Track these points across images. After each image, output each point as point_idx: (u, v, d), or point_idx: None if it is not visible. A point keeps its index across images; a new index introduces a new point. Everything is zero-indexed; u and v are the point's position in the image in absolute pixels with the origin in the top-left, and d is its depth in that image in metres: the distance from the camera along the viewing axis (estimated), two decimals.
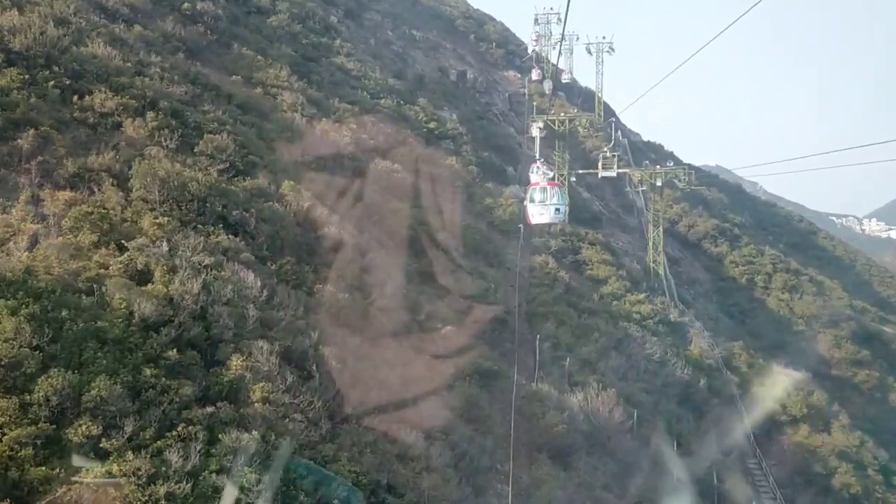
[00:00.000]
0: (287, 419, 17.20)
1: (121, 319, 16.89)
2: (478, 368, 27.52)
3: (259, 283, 20.70)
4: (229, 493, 14.35)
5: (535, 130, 56.85)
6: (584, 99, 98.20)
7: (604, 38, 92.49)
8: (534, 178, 45.27)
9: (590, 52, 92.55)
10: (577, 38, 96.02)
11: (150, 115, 27.16)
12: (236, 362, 17.60)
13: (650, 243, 58.35)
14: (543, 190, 43.51)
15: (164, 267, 19.09)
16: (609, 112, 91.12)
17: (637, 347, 38.71)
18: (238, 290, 19.82)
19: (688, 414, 36.88)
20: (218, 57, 43.05)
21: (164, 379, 16.20)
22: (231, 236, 22.89)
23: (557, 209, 43.82)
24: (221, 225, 23.63)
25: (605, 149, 64.92)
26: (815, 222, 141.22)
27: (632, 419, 31.02)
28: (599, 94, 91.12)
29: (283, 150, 35.06)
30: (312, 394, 18.27)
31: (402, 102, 54.66)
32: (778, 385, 45.35)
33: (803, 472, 40.19)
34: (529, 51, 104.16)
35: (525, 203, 47.03)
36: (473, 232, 43.57)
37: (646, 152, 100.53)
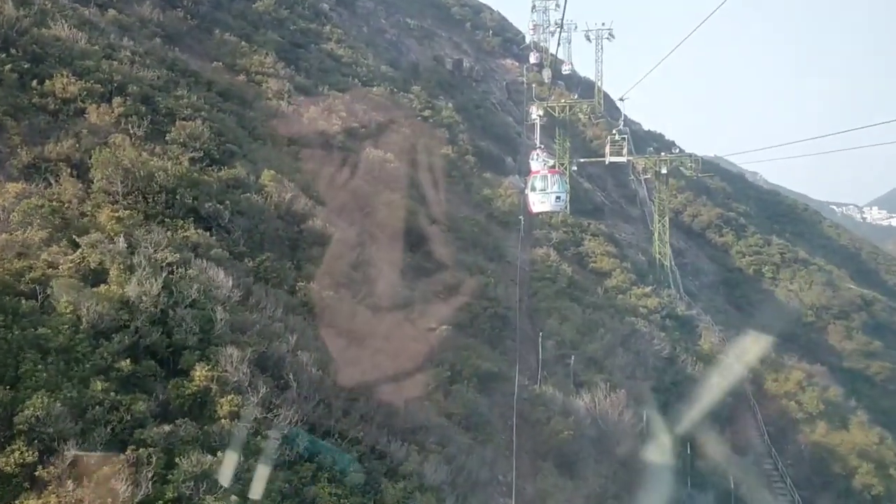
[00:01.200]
0: (259, 436, 15.12)
1: (66, 326, 14.79)
2: (476, 370, 25.47)
3: (230, 283, 18.58)
4: None
5: (535, 112, 55.00)
6: (584, 89, 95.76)
7: (603, 24, 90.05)
8: (534, 165, 44.05)
9: (589, 39, 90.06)
10: (576, 27, 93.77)
11: (116, 100, 25.01)
12: (200, 372, 15.51)
13: (655, 234, 56.24)
14: (544, 178, 42.13)
15: (121, 266, 16.98)
16: (609, 102, 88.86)
17: (645, 343, 36.65)
18: (206, 291, 17.70)
19: (701, 415, 34.73)
20: (199, 43, 40.87)
21: (114, 393, 14.14)
22: (201, 231, 20.75)
23: (558, 197, 42.96)
24: (192, 218, 21.51)
25: (614, 131, 62.67)
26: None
27: (642, 422, 28.94)
28: (599, 82, 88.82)
29: (266, 139, 33.02)
30: (289, 406, 16.18)
31: (395, 90, 52.49)
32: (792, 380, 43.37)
33: (821, 472, 38.16)
34: (527, 40, 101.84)
35: (526, 191, 46.19)
36: (471, 224, 41.50)
37: (648, 141, 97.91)
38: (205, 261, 19.01)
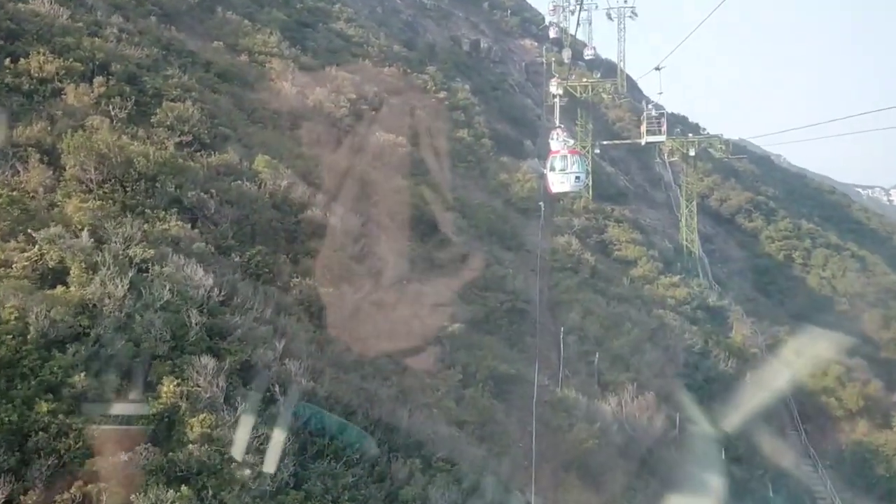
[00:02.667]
0: (234, 463, 13.03)
1: (11, 336, 12.78)
2: (492, 372, 23.26)
3: (211, 281, 16.46)
4: None
5: (554, 88, 52.86)
6: (605, 70, 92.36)
7: (625, 1, 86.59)
8: (554, 145, 42.55)
9: (610, 18, 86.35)
10: (597, 6, 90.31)
11: (98, 80, 22.98)
12: (168, 387, 13.43)
13: (682, 220, 53.50)
14: (564, 158, 40.74)
15: (83, 264, 14.91)
16: (631, 83, 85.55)
17: (674, 338, 34.22)
18: (181, 291, 15.61)
19: (734, 415, 32.27)
20: (200, 23, 38.73)
21: (63, 415, 12.11)
22: (183, 223, 18.64)
23: (578, 177, 42.01)
24: (175, 209, 19.44)
25: (650, 107, 59.67)
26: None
27: (675, 427, 26.63)
28: (621, 63, 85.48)
29: (266, 122, 30.92)
30: (272, 424, 14.07)
31: (409, 71, 50.06)
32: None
33: (864, 474, 35.55)
34: (546, 22, 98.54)
35: (545, 171, 44.74)
36: (487, 211, 39.15)
37: (672, 123, 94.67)
38: (183, 257, 16.89)
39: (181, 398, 13.37)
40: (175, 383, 13.50)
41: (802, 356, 39.55)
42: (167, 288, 15.24)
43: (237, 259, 19.28)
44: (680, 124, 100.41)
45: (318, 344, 18.35)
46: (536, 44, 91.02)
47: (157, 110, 23.32)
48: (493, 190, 43.54)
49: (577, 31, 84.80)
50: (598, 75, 71.73)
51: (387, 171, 33.91)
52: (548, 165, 46.41)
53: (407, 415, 17.93)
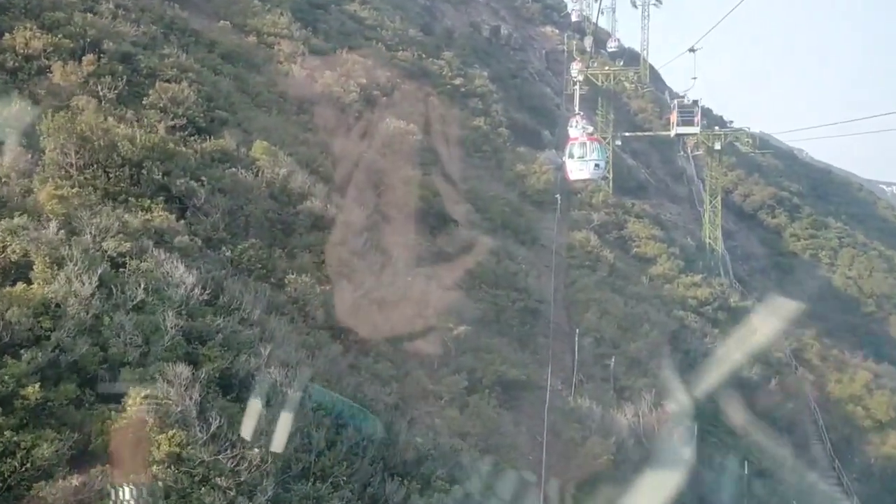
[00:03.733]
0: (205, 486, 11.65)
1: None
2: (500, 378, 21.76)
3: (193, 278, 15.04)
4: None
5: (575, 69, 51.60)
6: (628, 59, 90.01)
7: None
8: (573, 132, 41.68)
9: (635, 6, 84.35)
10: None
11: (88, 58, 21.59)
12: (135, 399, 12.03)
13: (706, 216, 51.53)
14: (583, 145, 40.20)
15: (48, 258, 13.53)
16: (654, 74, 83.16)
17: (695, 341, 32.52)
18: (158, 290, 14.21)
19: (756, 424, 30.60)
20: (207, 1, 37.38)
21: (11, 432, 10.76)
22: (168, 213, 17.24)
23: (597, 165, 41.49)
24: (162, 197, 18.06)
25: (684, 93, 55.49)
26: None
27: (692, 439, 25.02)
28: (644, 52, 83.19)
29: (271, 106, 29.52)
30: (250, 443, 12.65)
31: (423, 56, 48.42)
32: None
33: (894, 489, 33.81)
34: (569, 8, 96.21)
35: (563, 159, 44.37)
36: (502, 203, 37.58)
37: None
38: (164, 251, 15.49)
39: (149, 412, 11.97)
40: (142, 395, 12.10)
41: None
42: (142, 286, 13.84)
43: (227, 253, 17.84)
44: (704, 116, 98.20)
45: (310, 348, 16.92)
46: (558, 31, 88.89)
47: (150, 91, 21.91)
48: (509, 181, 41.94)
49: (598, 17, 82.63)
50: (623, 62, 69.41)
51: (396, 160, 32.41)
52: (566, 152, 45.83)
53: (405, 427, 16.50)
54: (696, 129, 53.98)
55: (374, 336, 19.77)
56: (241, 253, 18.45)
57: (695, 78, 55.82)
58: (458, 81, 48.46)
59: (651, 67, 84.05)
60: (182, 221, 17.49)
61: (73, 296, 12.93)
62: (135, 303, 13.64)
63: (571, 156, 42.47)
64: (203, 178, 18.91)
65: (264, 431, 13.16)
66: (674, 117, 54.31)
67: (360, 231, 23.05)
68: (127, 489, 10.90)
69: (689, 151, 64.18)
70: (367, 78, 39.11)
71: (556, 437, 22.24)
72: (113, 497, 10.84)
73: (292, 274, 18.90)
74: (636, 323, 31.41)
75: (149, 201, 17.59)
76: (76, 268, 13.38)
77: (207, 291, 15.56)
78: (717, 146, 50.43)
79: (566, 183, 45.37)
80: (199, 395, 12.86)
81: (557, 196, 42.97)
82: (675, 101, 55.85)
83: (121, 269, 14.52)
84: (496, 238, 33.41)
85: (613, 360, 27.44)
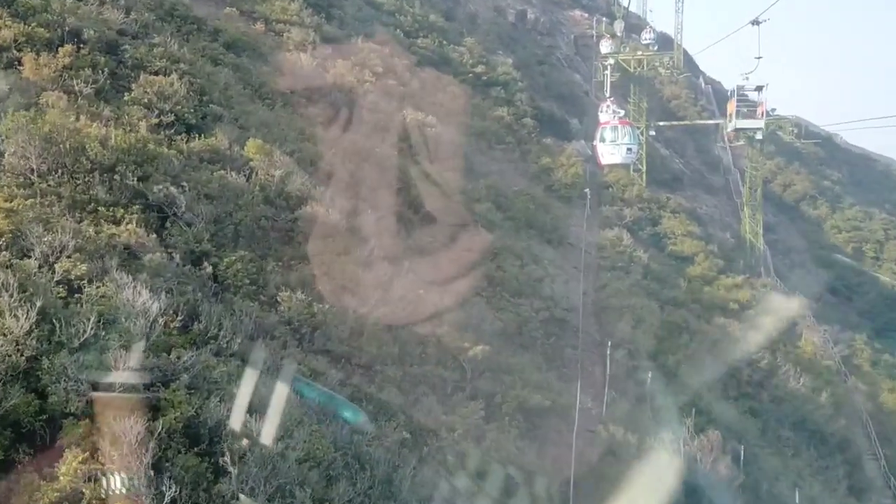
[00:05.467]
0: None
1: None
2: (522, 405, 19.39)
3: (159, 304, 12.88)
4: None
5: (605, 48, 49.71)
6: (661, 46, 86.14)
7: None
8: (603, 116, 40.24)
9: None
10: None
11: (66, 48, 19.49)
12: (70, 465, 9.91)
13: (745, 210, 48.41)
14: (614, 129, 40.95)
15: None
16: (688, 59, 79.53)
17: (738, 351, 29.79)
18: (113, 321, 12.07)
19: (806, 443, 27.97)
20: None
21: None
22: (141, 225, 15.09)
23: (629, 149, 41.51)
24: (139, 206, 15.96)
25: (746, 76, 47.34)
26: None
27: (739, 465, 22.49)
28: (678, 36, 79.72)
29: (275, 99, 27.33)
30: None
31: (444, 43, 45.90)
32: None
33: None
34: None
35: (595, 143, 43.95)
36: (526, 200, 35.08)
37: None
38: (127, 272, 13.34)
39: (85, 479, 9.85)
40: (79, 459, 9.98)
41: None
42: (92, 318, 11.70)
43: (209, 269, 15.66)
44: (739, 101, 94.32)
45: (298, 385, 14.69)
46: (587, 15, 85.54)
47: (133, 85, 19.81)
48: (534, 175, 39.42)
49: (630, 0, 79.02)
50: (655, 49, 66.02)
51: (412, 156, 30.16)
52: (597, 136, 44.81)
53: (410, 473, 14.24)
54: (759, 123, 47.16)
55: (380, 359, 17.55)
56: (227, 267, 16.28)
57: (759, 57, 46.10)
58: (480, 69, 45.89)
59: (685, 53, 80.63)
60: (155, 235, 15.27)
61: (5, 333, 10.83)
62: (83, 339, 11.51)
63: (603, 140, 42.03)
64: (184, 183, 16.74)
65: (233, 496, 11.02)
66: (732, 107, 48.14)
67: (368, 238, 20.77)
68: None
69: (727, 141, 60.88)
70: (383, 67, 36.82)
71: (587, 469, 19.84)
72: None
73: (286, 291, 16.67)
74: (673, 332, 28.86)
75: (122, 211, 15.51)
76: (13, 298, 11.27)
77: (179, 318, 13.44)
78: (759, 136, 47.08)
79: (596, 176, 42.85)
80: (156, 454, 10.71)
81: (587, 190, 40.37)
82: (733, 90, 48.59)
83: (73, 297, 12.44)
84: (520, 238, 31.02)
85: (650, 375, 24.92)
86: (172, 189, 16.37)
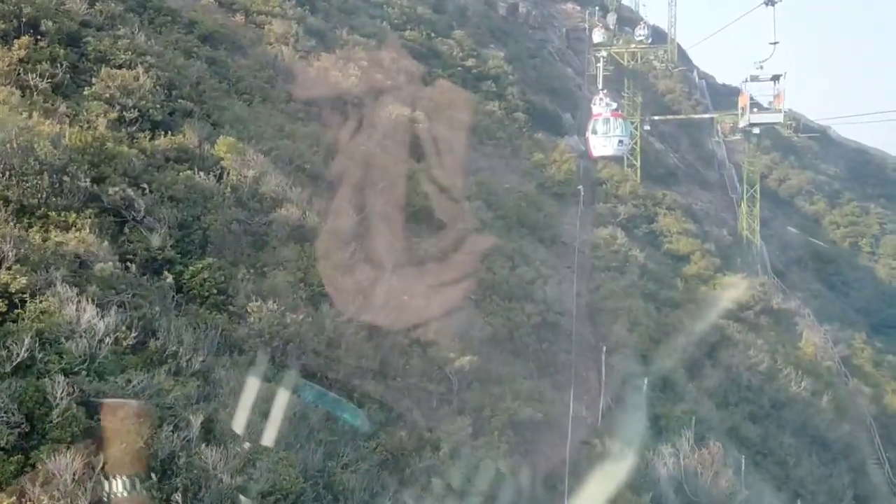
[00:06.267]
0: None
1: None
2: (512, 418, 18.23)
3: (107, 322, 11.67)
4: None
5: (598, 36, 48.81)
6: (654, 40, 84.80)
7: None
8: (596, 108, 39.64)
9: None
10: None
11: (21, 41, 18.21)
12: None
13: (743, 206, 47.30)
14: (606, 121, 40.72)
15: None
16: (682, 53, 78.20)
17: (737, 354, 28.75)
18: (53, 342, 10.86)
19: (808, 450, 26.88)
20: None
21: None
22: (90, 234, 13.82)
23: (621, 141, 41.31)
24: (94, 210, 14.70)
25: (760, 65, 41.98)
26: None
27: (740, 473, 21.41)
28: (672, 29, 78.38)
29: (254, 94, 26.06)
30: None
31: (433, 36, 44.61)
32: None
33: None
34: None
35: (587, 135, 43.67)
36: (518, 197, 33.87)
37: (725, 95, 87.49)
38: (74, 286, 12.10)
39: None
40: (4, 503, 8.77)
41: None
42: (27, 340, 10.47)
43: (169, 280, 14.41)
44: (733, 96, 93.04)
45: (271, 399, 13.49)
46: (579, 8, 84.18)
47: (94, 79, 18.52)
48: (526, 172, 38.18)
49: None
50: (650, 42, 64.70)
51: (398, 153, 28.89)
52: (589, 128, 43.95)
53: (390, 502, 13.09)
54: (777, 116, 43.46)
55: (359, 372, 16.36)
56: (193, 276, 15.06)
57: (775, 42, 41.25)
58: (470, 62, 44.61)
59: (679, 47, 79.31)
60: (108, 242, 14.00)
61: None
62: (17, 363, 10.29)
63: (595, 132, 41.70)
64: (144, 185, 15.48)
65: None
66: (744, 100, 44.32)
67: (348, 240, 19.54)
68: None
69: (720, 135, 59.73)
70: (369, 61, 35.53)
71: (581, 485, 18.72)
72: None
73: (257, 300, 15.43)
74: (670, 334, 27.71)
75: (74, 215, 14.25)
76: None
77: (133, 335, 12.24)
78: (756, 130, 45.86)
79: (590, 172, 41.71)
80: (97, 493, 9.53)
81: (580, 187, 39.20)
82: (744, 81, 43.94)
83: (12, 314, 11.22)
84: (511, 238, 29.82)
85: (646, 381, 23.78)
86: (130, 191, 15.11)
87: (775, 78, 42.47)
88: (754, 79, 42.72)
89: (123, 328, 12.13)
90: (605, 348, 24.92)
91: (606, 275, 31.15)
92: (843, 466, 28.10)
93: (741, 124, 44.30)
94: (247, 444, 11.61)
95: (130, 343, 12.15)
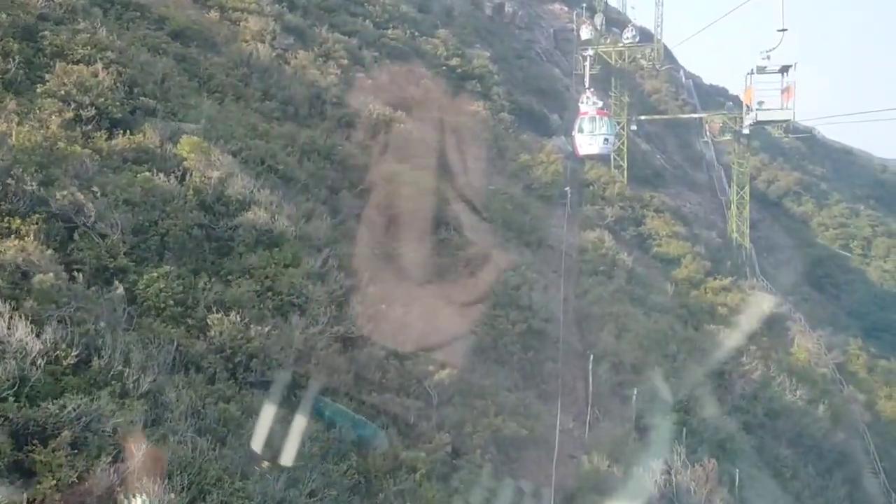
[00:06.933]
0: None
1: None
2: (495, 434, 17.18)
3: (49, 337, 10.56)
4: None
5: (585, 33, 48.79)
6: (641, 41, 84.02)
7: None
8: (583, 107, 39.42)
9: None
10: None
11: None
12: None
13: (732, 208, 46.52)
14: (592, 120, 40.74)
15: None
16: (668, 54, 77.49)
17: (729, 361, 27.84)
18: None
19: (804, 460, 26.01)
20: None
21: None
22: (34, 241, 12.68)
23: (606, 139, 41.23)
24: (41, 215, 13.56)
25: (767, 54, 38.48)
26: None
27: (734, 490, 20.47)
28: (658, 30, 77.56)
29: (226, 92, 24.94)
30: None
31: (417, 34, 43.57)
32: None
33: None
34: None
35: (573, 133, 43.64)
36: (503, 199, 32.89)
37: (713, 96, 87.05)
38: (4, 301, 10.96)
39: None
40: None
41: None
42: None
43: (119, 291, 13.27)
44: (720, 96, 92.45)
45: (231, 421, 12.41)
46: (566, 9, 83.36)
47: (48, 76, 17.36)
48: (512, 173, 37.20)
49: None
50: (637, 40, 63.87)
51: (377, 153, 27.86)
52: (576, 127, 43.72)
53: None
54: (787, 113, 39.46)
55: (331, 388, 15.26)
56: (148, 286, 13.91)
57: (783, 29, 37.38)
58: (454, 62, 43.59)
59: (665, 48, 78.57)
60: (53, 251, 12.85)
61: None
62: None
63: (581, 130, 41.58)
64: (95, 188, 14.33)
65: None
66: (749, 96, 40.47)
67: (321, 247, 18.44)
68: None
69: (709, 136, 59.01)
70: (349, 59, 34.51)
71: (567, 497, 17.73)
72: None
73: (217, 312, 14.31)
74: (660, 341, 26.80)
75: (18, 221, 13.11)
76: None
77: (74, 353, 11.10)
78: (746, 130, 45.02)
79: (577, 174, 40.83)
80: None
81: (567, 189, 38.27)
82: (750, 72, 39.67)
83: None
84: (495, 241, 28.80)
85: (636, 392, 22.81)
86: (80, 195, 13.95)
87: (784, 69, 39.12)
88: (761, 70, 38.96)
89: (63, 346, 11.02)
90: (592, 357, 23.91)
91: (594, 279, 30.20)
92: (839, 477, 27.24)
93: (746, 122, 41.04)
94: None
95: (71, 363, 11.03)
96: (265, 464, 12.09)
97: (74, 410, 9.95)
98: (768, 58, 38.94)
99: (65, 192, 13.84)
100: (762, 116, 40.38)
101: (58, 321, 11.34)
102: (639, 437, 21.77)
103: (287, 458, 12.70)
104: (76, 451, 9.57)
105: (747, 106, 40.82)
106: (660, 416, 22.48)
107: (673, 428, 21.99)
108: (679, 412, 23.10)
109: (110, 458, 9.72)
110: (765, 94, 39.94)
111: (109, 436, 10.12)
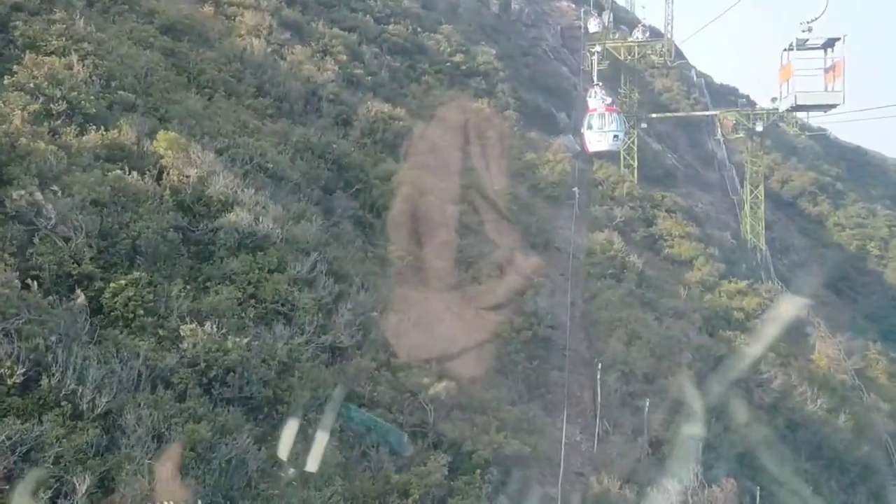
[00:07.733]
0: None
1: None
2: (496, 452, 15.89)
3: None
4: None
5: (593, 26, 48.11)
6: (650, 37, 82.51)
7: None
8: (592, 103, 38.97)
9: None
10: None
11: None
12: None
13: (746, 208, 45.03)
14: (602, 116, 40.30)
15: None
16: (678, 52, 76.12)
17: (747, 370, 26.40)
18: None
19: (826, 474, 24.62)
20: None
21: None
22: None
23: (616, 136, 41.04)
24: None
25: (808, 25, 32.87)
26: None
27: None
28: (669, 27, 76.09)
29: (217, 88, 23.80)
30: None
31: (419, 30, 42.33)
32: None
33: None
34: None
35: (582, 130, 43.32)
36: (508, 199, 31.55)
37: (724, 95, 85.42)
38: None
39: None
40: None
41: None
42: None
43: (81, 300, 12.08)
44: (731, 95, 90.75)
45: (202, 443, 11.19)
46: (574, 6, 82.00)
47: (17, 68, 16.22)
48: (517, 172, 35.81)
49: None
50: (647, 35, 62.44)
51: (376, 152, 26.71)
52: (584, 123, 43.10)
53: None
54: (836, 97, 32.74)
55: (315, 405, 14.02)
56: (115, 294, 12.74)
57: (811, 22, 32.84)
58: (458, 58, 42.32)
59: (676, 47, 77.04)
60: (10, 256, 11.69)
61: None
62: None
63: (590, 127, 41.18)
64: (55, 188, 13.16)
65: None
66: (787, 73, 33.91)
67: (309, 250, 17.21)
68: None
69: (720, 134, 57.50)
70: (348, 55, 33.32)
71: None
72: None
73: (191, 322, 13.11)
74: (673, 349, 25.43)
75: None
76: None
77: (21, 371, 9.94)
78: (760, 127, 43.51)
79: (585, 173, 39.54)
80: None
81: (575, 189, 36.95)
82: (791, 46, 33.66)
83: None
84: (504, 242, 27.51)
85: (647, 403, 21.48)
86: (39, 195, 12.77)
87: (829, 43, 33.53)
88: (801, 45, 33.50)
89: (8, 363, 9.87)
90: (600, 365, 22.59)
91: (602, 283, 28.84)
92: (863, 492, 25.83)
93: (782, 107, 35.81)
94: None
95: (17, 381, 9.87)
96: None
97: (9, 438, 8.77)
98: (810, 29, 33.55)
99: (21, 192, 12.66)
100: (803, 100, 34.17)
101: (4, 335, 10.17)
102: (651, 453, 20.51)
103: (265, 485, 11.54)
104: (8, 486, 8.39)
105: (787, 81, 34.82)
106: (674, 430, 21.11)
107: (688, 442, 20.61)
108: (694, 423, 21.66)
109: (49, 494, 8.54)
110: (805, 72, 34.08)
111: (56, 463, 8.95)
